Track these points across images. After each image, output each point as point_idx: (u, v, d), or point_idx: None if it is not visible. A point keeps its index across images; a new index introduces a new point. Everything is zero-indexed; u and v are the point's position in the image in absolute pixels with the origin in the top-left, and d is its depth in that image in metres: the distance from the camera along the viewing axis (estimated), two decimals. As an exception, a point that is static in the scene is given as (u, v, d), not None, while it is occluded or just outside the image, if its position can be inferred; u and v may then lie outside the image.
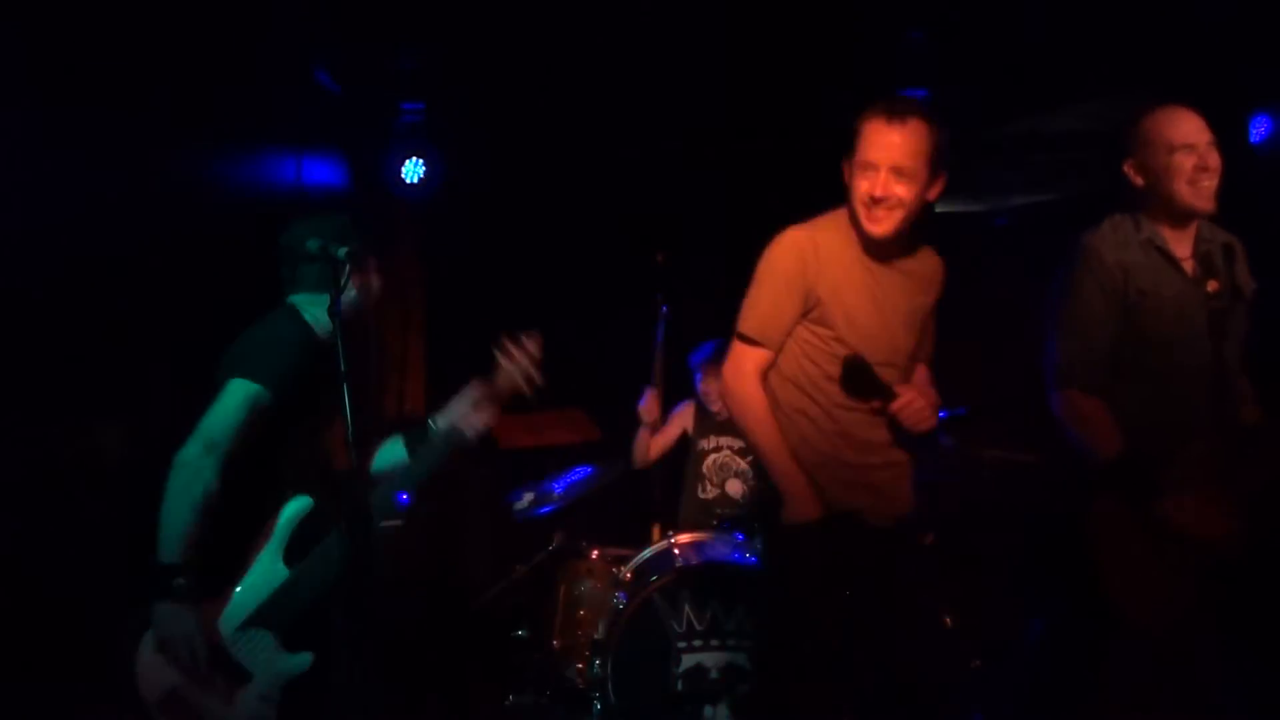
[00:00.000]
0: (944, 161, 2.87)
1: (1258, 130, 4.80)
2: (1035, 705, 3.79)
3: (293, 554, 2.72)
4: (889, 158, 2.80)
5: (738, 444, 4.75)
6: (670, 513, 4.77)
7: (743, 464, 4.73)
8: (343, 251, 2.61)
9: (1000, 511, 4.45)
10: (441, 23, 4.78)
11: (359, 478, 2.54)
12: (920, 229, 3.02)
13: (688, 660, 3.89)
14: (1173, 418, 2.95)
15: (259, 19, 4.20)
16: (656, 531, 4.58)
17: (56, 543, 3.35)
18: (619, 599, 4.06)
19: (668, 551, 4.13)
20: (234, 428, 2.58)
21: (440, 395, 5.96)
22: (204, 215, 4.06)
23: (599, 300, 5.54)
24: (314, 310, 2.81)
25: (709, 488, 4.73)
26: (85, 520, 3.42)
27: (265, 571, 2.70)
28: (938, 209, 5.69)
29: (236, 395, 2.60)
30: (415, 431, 2.98)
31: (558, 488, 4.45)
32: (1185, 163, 2.91)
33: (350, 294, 2.74)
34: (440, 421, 2.91)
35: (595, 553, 4.33)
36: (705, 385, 4.74)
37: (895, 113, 2.81)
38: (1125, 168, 3.01)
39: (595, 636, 4.06)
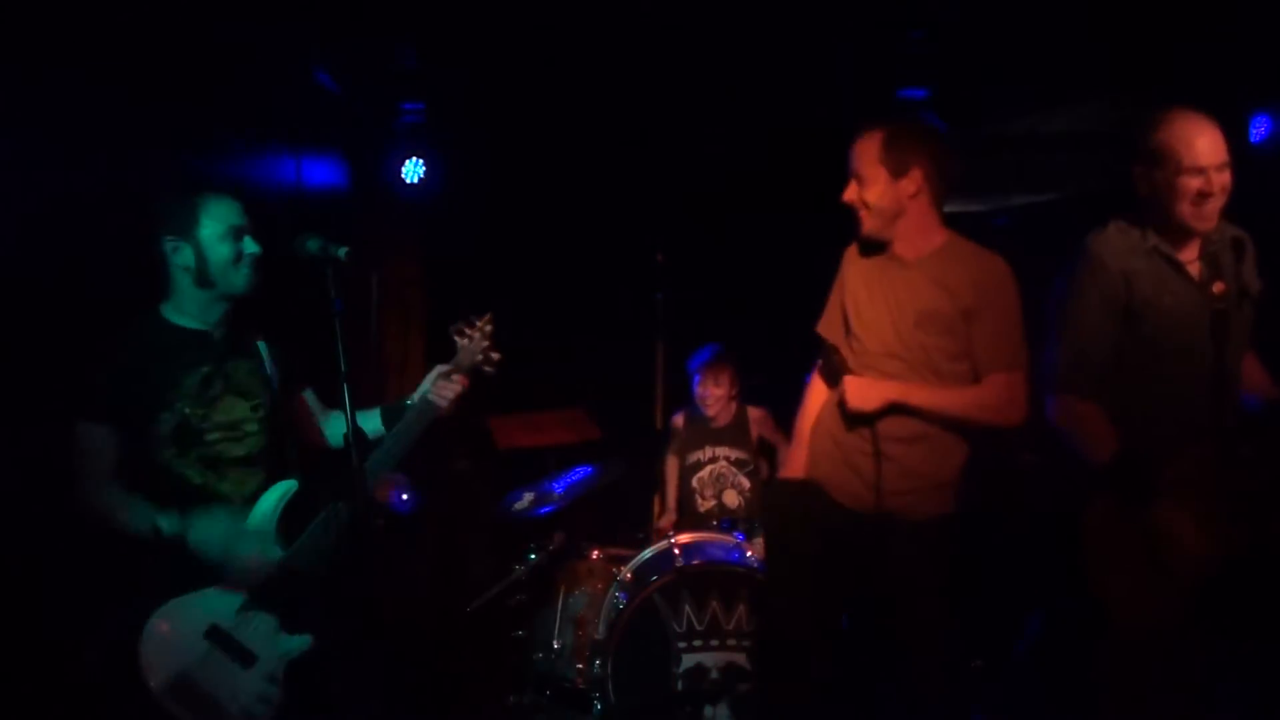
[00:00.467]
0: (906, 161, 3.02)
1: (1258, 130, 4.79)
2: (1035, 705, 3.79)
3: (285, 534, 2.76)
4: (852, 166, 3.10)
5: (735, 454, 4.74)
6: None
7: (739, 474, 4.71)
8: (342, 251, 2.62)
9: (1000, 512, 4.44)
10: (441, 23, 4.78)
11: (358, 473, 2.55)
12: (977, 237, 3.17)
13: (688, 660, 3.89)
14: (1170, 421, 2.94)
15: (259, 19, 4.19)
16: (656, 534, 4.58)
17: (56, 543, 3.35)
18: (619, 599, 4.06)
19: (668, 551, 4.13)
20: (91, 467, 2.70)
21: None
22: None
23: (599, 300, 5.54)
24: (173, 300, 2.83)
25: (703, 500, 4.72)
26: (82, 520, 3.42)
27: (260, 554, 2.73)
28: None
29: (77, 440, 2.70)
30: (392, 407, 3.05)
31: (558, 488, 4.45)
32: (1190, 185, 2.88)
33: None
34: (414, 397, 3.01)
35: (595, 553, 4.33)
36: (703, 389, 4.73)
37: (861, 126, 3.10)
38: (1135, 172, 2.98)
39: (595, 636, 4.06)
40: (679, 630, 3.90)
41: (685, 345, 4.87)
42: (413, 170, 5.39)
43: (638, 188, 5.46)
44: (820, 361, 3.32)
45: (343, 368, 2.52)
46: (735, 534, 4.22)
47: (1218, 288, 2.90)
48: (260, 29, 4.26)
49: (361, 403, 2.72)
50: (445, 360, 3.03)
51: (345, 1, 4.57)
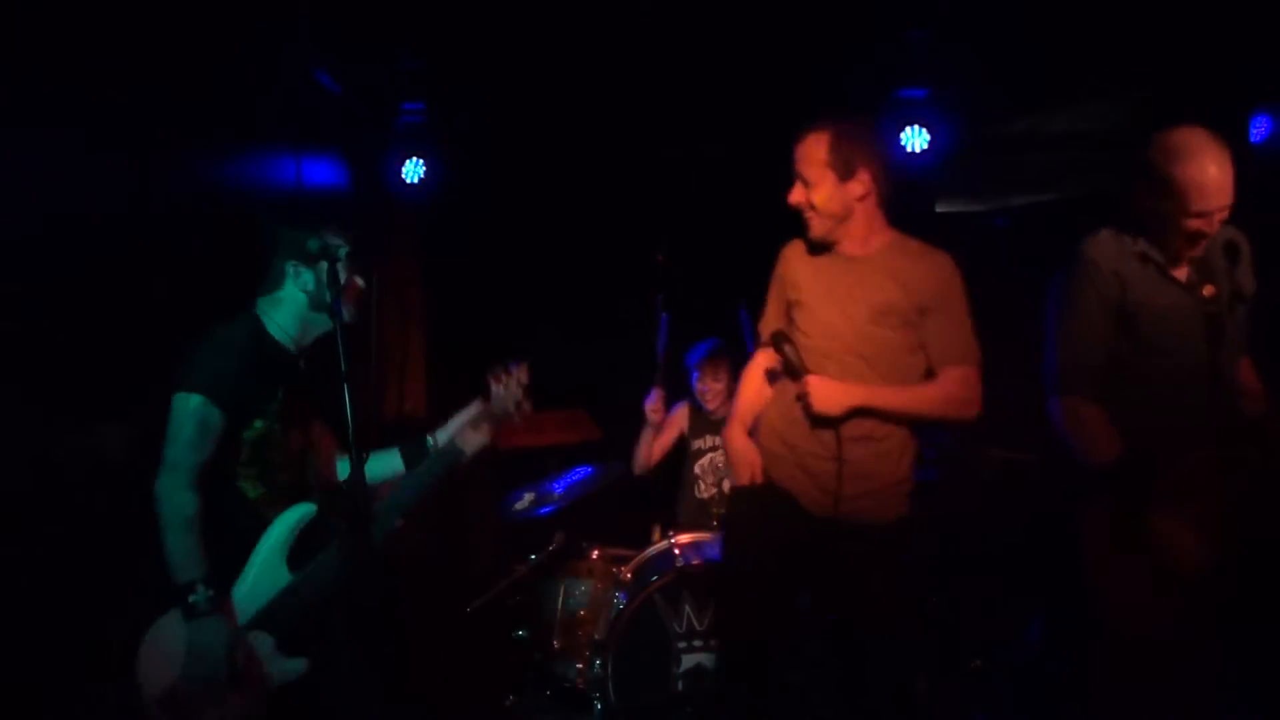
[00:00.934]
0: (853, 163, 3.01)
1: (1258, 130, 4.79)
2: (1035, 706, 3.79)
3: (296, 559, 2.75)
4: (797, 168, 3.05)
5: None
6: (670, 513, 4.78)
7: None
8: (343, 251, 2.62)
9: (1000, 512, 4.45)
10: (441, 23, 4.78)
11: (360, 480, 2.54)
12: (927, 232, 3.14)
13: (688, 660, 3.89)
14: (1168, 424, 2.95)
15: (259, 19, 4.19)
16: (656, 532, 4.59)
17: (56, 542, 3.35)
18: (619, 599, 4.06)
19: (668, 551, 4.13)
20: (190, 445, 2.63)
21: (440, 395, 6.00)
22: (204, 215, 4.06)
23: (599, 300, 5.54)
24: (276, 314, 2.84)
25: (705, 487, 4.73)
26: (85, 520, 3.42)
27: (269, 575, 2.72)
28: (938, 209, 5.74)
29: (183, 411, 2.64)
30: (412, 447, 3.04)
31: (558, 488, 4.45)
32: (1193, 225, 2.88)
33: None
34: (439, 438, 3.01)
35: (595, 553, 4.33)
36: (702, 384, 4.74)
37: (803, 128, 3.06)
38: (1136, 186, 2.95)
39: (595, 636, 4.06)
40: (679, 630, 3.90)
41: (684, 345, 4.87)
42: (413, 170, 5.38)
43: (638, 188, 5.45)
44: (763, 356, 3.28)
45: (343, 368, 2.52)
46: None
47: (1208, 291, 2.91)
48: (261, 29, 4.26)
49: (371, 443, 2.74)
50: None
51: (345, 2, 4.57)
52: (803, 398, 3.00)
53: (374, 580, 2.53)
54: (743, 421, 3.24)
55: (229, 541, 2.70)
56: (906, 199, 5.52)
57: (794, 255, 3.18)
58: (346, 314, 2.74)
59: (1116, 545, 2.91)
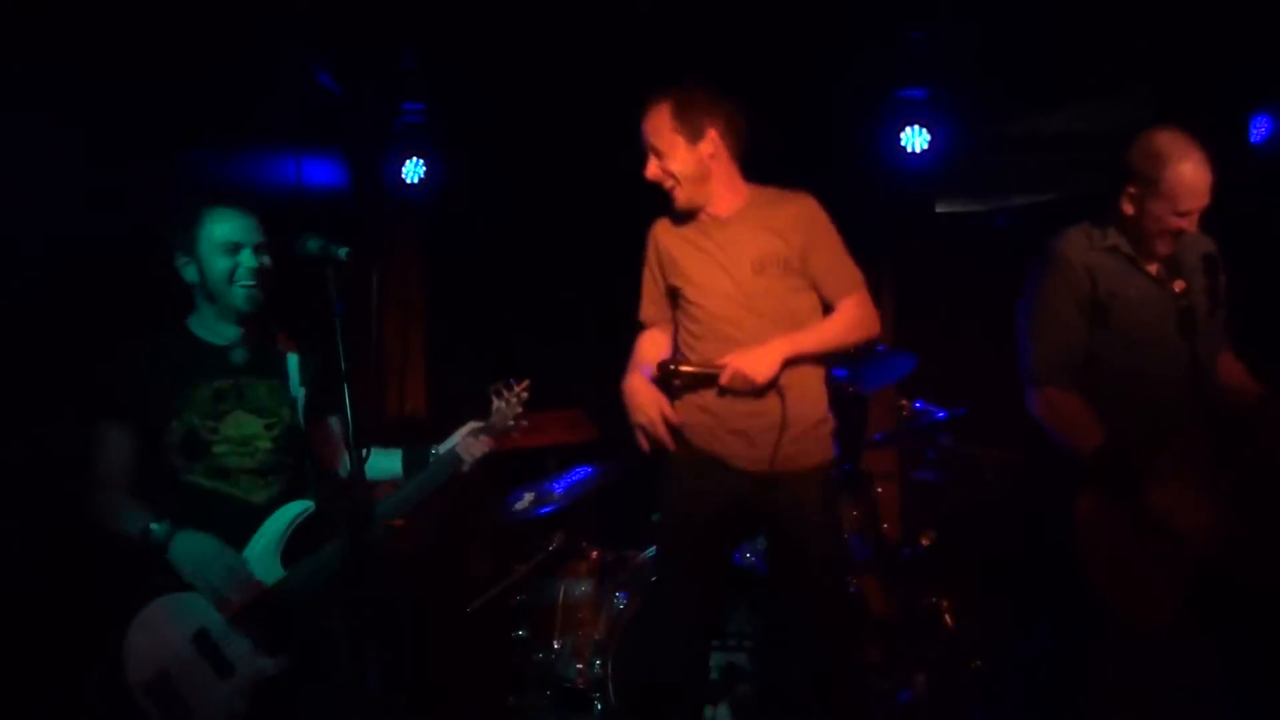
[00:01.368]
0: (699, 123, 3.09)
1: (1258, 130, 4.80)
2: (1036, 705, 3.79)
3: (290, 555, 2.75)
4: (647, 141, 3.13)
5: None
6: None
7: None
8: (343, 252, 2.61)
9: (1000, 511, 4.45)
10: (441, 23, 4.78)
11: (360, 480, 2.54)
12: (785, 179, 3.23)
13: (688, 660, 3.88)
14: (1152, 415, 2.99)
15: (259, 19, 4.19)
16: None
17: (55, 542, 3.35)
18: (619, 599, 4.06)
19: (668, 551, 4.13)
20: (105, 465, 2.73)
21: (440, 395, 6.00)
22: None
23: (599, 300, 5.53)
24: (197, 313, 2.86)
25: None
26: (85, 520, 3.42)
27: (261, 569, 2.73)
28: (938, 209, 5.74)
29: (95, 437, 2.74)
30: (415, 453, 3.05)
31: (558, 488, 4.44)
32: (1177, 224, 2.99)
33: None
34: (441, 448, 3.02)
35: (595, 553, 4.33)
36: None
37: (645, 104, 3.15)
38: (1124, 194, 3.03)
39: (595, 636, 4.06)
40: (679, 630, 3.89)
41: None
42: (413, 170, 5.39)
43: (638, 188, 5.45)
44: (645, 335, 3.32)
45: (343, 368, 2.51)
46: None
47: (1178, 286, 3.02)
48: (261, 29, 4.26)
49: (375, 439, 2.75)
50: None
51: (346, 2, 4.57)
52: (734, 382, 3.02)
53: (372, 577, 2.52)
54: (638, 367, 3.26)
55: (199, 526, 2.71)
56: (907, 199, 5.58)
57: (663, 234, 3.23)
58: (244, 288, 2.75)
59: (1112, 537, 2.92)
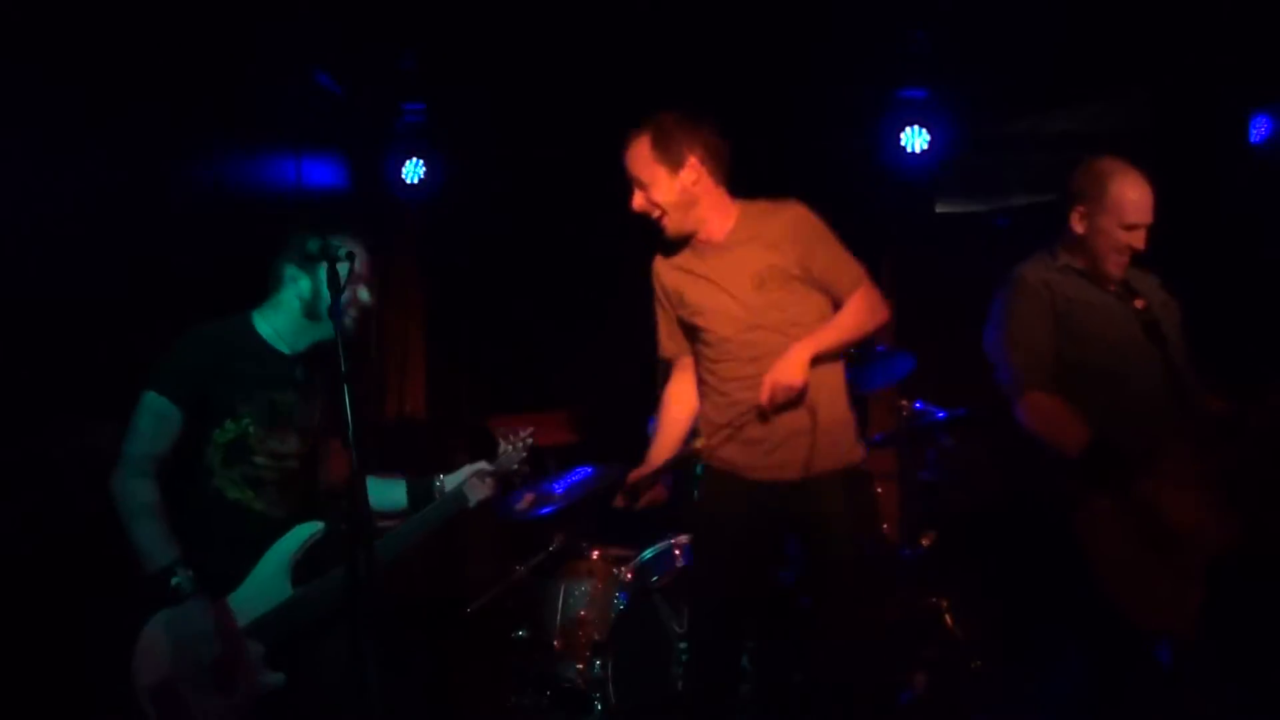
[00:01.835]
0: (679, 152, 3.11)
1: (1258, 130, 4.80)
2: (1036, 707, 3.79)
3: (301, 574, 2.76)
4: (630, 174, 3.16)
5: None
6: (671, 514, 4.77)
7: None
8: (343, 251, 2.61)
9: (1001, 510, 4.45)
10: (442, 23, 4.78)
11: (360, 481, 2.53)
12: (769, 190, 3.24)
13: (688, 660, 3.88)
14: (1133, 418, 3.04)
15: (259, 19, 4.19)
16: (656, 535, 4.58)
17: (55, 541, 3.35)
18: (619, 599, 4.06)
19: (668, 552, 4.13)
20: (140, 436, 2.67)
21: (440, 395, 5.99)
22: (203, 215, 4.07)
23: (599, 301, 5.53)
24: (273, 317, 2.85)
25: None
26: (84, 519, 3.42)
27: (270, 586, 2.73)
28: (938, 209, 5.74)
29: (140, 406, 2.68)
30: (419, 485, 3.07)
31: (558, 488, 4.44)
32: (1126, 238, 3.13)
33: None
34: (446, 483, 3.06)
35: (595, 553, 4.33)
36: None
37: (624, 135, 3.20)
38: (1072, 214, 3.20)
39: (595, 637, 4.06)
40: (679, 630, 3.89)
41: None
42: (413, 170, 5.39)
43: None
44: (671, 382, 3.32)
45: (342, 368, 2.51)
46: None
47: (1138, 303, 3.18)
48: (261, 30, 4.26)
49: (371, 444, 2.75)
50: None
51: (346, 2, 4.57)
52: (776, 395, 3.01)
53: (372, 589, 2.52)
54: (660, 433, 3.27)
55: (216, 541, 2.71)
56: (907, 199, 5.58)
57: (663, 270, 3.26)
58: (347, 319, 2.75)
59: (1117, 540, 2.94)
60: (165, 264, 3.77)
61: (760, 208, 3.20)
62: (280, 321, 2.85)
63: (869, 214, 5.20)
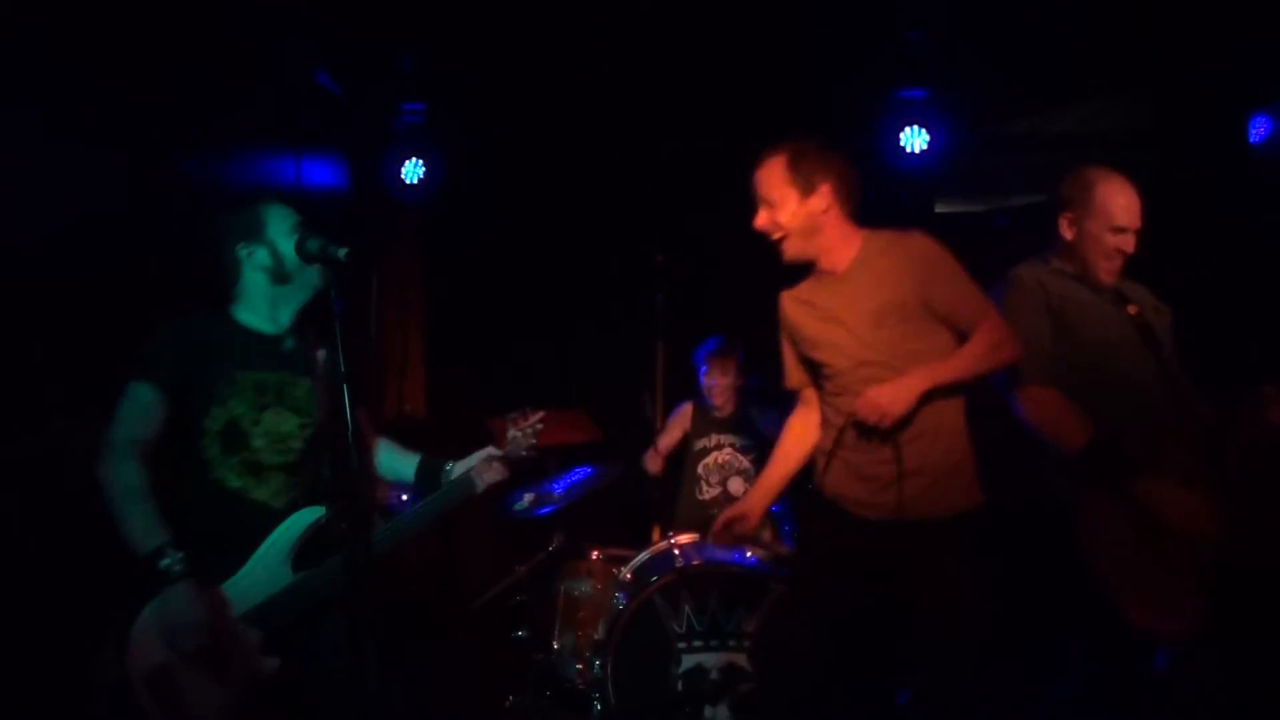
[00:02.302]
0: (813, 179, 3.08)
1: (1258, 130, 4.80)
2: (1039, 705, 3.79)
3: (301, 561, 2.76)
4: (759, 191, 3.14)
5: (740, 441, 4.76)
6: (670, 514, 4.78)
7: (745, 462, 4.73)
8: (343, 252, 2.61)
9: (999, 510, 4.44)
10: (442, 23, 4.78)
11: (360, 482, 2.54)
12: (904, 223, 3.22)
13: (688, 660, 3.89)
14: (1129, 417, 3.05)
15: (259, 19, 4.20)
16: (656, 533, 4.58)
17: (54, 542, 3.36)
18: (619, 599, 4.06)
19: (668, 552, 4.13)
20: (123, 421, 2.68)
21: (440, 395, 5.98)
22: (203, 215, 4.06)
23: (599, 301, 5.54)
24: (245, 303, 2.86)
25: (708, 488, 4.73)
26: (83, 519, 3.42)
27: (270, 573, 2.73)
28: (938, 209, 5.74)
29: (128, 398, 2.70)
30: (430, 466, 3.08)
31: (558, 488, 4.45)
32: (1114, 242, 3.19)
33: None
34: (456, 468, 3.05)
35: (595, 553, 4.33)
36: (709, 379, 4.76)
37: (760, 155, 3.17)
38: (1061, 220, 3.26)
39: (595, 637, 4.06)
40: (679, 631, 3.90)
41: (685, 345, 4.87)
42: (413, 170, 5.39)
43: (638, 189, 5.45)
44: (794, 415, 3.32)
45: (342, 368, 2.51)
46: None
47: (1131, 309, 3.22)
48: (262, 29, 4.26)
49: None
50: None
51: (345, 2, 4.57)
52: (864, 409, 2.97)
53: (369, 579, 2.52)
54: (774, 464, 3.30)
55: (217, 532, 2.71)
56: (907, 199, 5.58)
57: (788, 305, 3.25)
58: (325, 275, 2.75)
59: (1120, 542, 2.94)
60: (166, 264, 3.77)
61: (883, 240, 3.15)
62: (254, 303, 2.85)
63: (869, 214, 5.19)
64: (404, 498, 4.72)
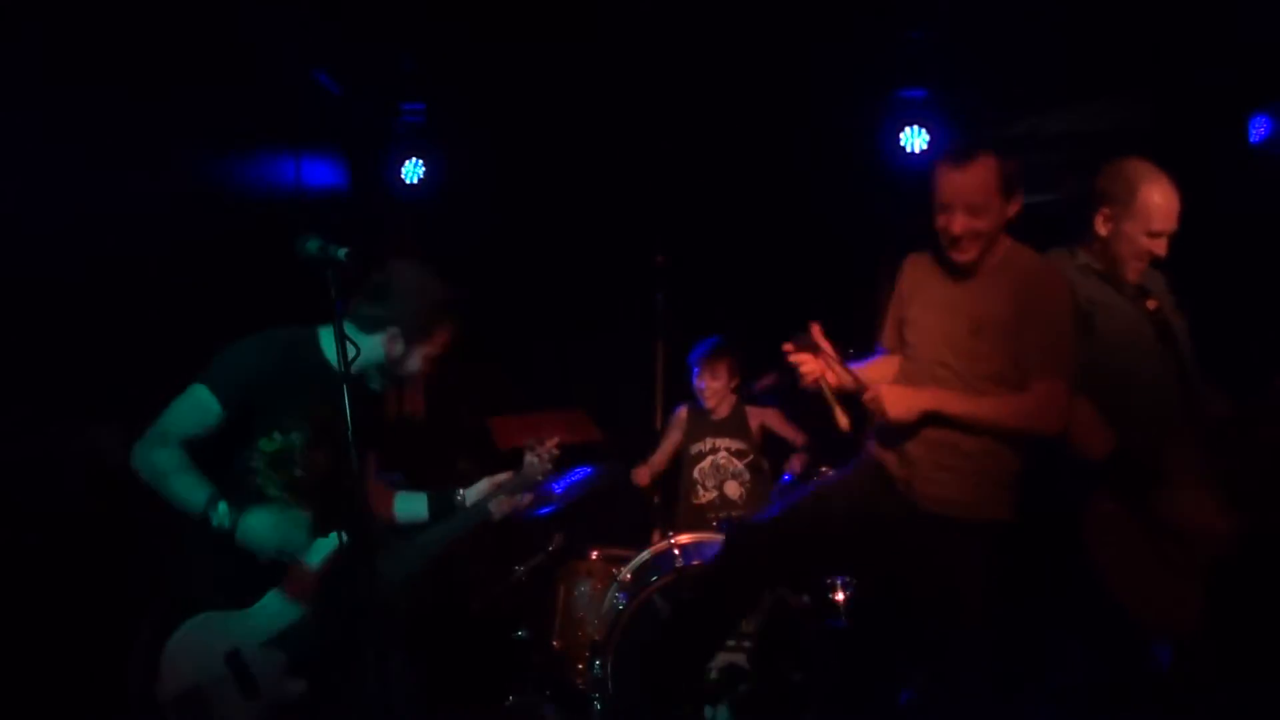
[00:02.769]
0: (1015, 186, 3.01)
1: (1258, 130, 4.80)
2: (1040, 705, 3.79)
3: (323, 589, 2.75)
4: (963, 196, 2.99)
5: (735, 444, 4.74)
6: (668, 516, 4.78)
7: (739, 465, 4.72)
8: (342, 252, 2.60)
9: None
10: (441, 24, 4.78)
11: (360, 485, 2.53)
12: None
13: (688, 660, 3.88)
14: (1147, 420, 3.03)
15: (259, 19, 4.20)
16: (656, 536, 4.58)
17: (54, 542, 3.36)
18: (619, 599, 4.06)
19: (667, 552, 4.13)
20: (175, 415, 2.67)
21: (440, 396, 5.98)
22: (203, 215, 4.07)
23: (599, 301, 5.53)
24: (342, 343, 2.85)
25: (704, 491, 4.71)
26: (85, 520, 3.42)
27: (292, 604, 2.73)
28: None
29: (189, 396, 2.69)
30: (440, 497, 3.11)
31: (558, 488, 4.44)
32: (1148, 245, 3.13)
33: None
34: (469, 495, 3.10)
35: (595, 553, 4.33)
36: (701, 381, 4.74)
37: (960, 158, 3.05)
38: (1097, 215, 3.17)
39: (595, 637, 4.06)
40: (679, 630, 3.89)
41: (685, 345, 4.87)
42: (413, 170, 5.39)
43: (637, 189, 5.45)
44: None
45: (342, 369, 2.51)
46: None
47: (1151, 304, 3.18)
48: (262, 30, 4.26)
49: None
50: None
51: (345, 2, 4.57)
52: (870, 406, 2.98)
53: (370, 587, 2.51)
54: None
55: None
56: (906, 199, 5.58)
57: (910, 269, 3.20)
58: (380, 382, 2.84)
59: (1128, 543, 2.95)
60: (166, 264, 3.77)
61: (1022, 259, 3.06)
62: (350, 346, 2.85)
63: (868, 214, 5.20)
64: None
